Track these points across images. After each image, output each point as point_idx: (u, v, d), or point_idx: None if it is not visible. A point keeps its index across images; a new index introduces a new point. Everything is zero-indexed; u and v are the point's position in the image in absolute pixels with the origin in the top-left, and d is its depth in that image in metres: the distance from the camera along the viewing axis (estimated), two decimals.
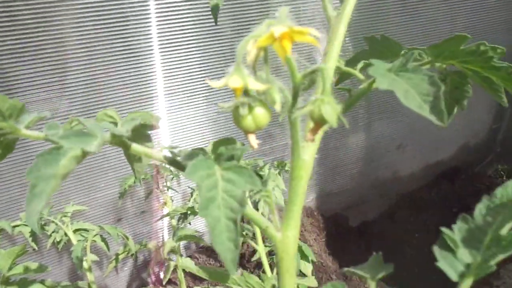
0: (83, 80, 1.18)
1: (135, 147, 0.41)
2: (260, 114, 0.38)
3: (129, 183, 1.22)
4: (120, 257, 1.26)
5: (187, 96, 1.35)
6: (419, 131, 1.93)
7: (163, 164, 1.26)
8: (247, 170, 0.37)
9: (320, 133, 0.37)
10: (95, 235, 1.13)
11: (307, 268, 1.15)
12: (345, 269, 0.43)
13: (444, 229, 0.36)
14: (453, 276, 0.34)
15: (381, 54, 0.59)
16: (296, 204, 0.45)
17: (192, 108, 1.37)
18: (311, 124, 0.36)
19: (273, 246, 0.46)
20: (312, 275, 1.15)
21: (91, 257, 1.12)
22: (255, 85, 0.32)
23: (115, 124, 0.47)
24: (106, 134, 0.35)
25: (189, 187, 1.42)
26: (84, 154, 0.32)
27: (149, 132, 0.51)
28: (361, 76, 0.51)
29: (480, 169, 2.14)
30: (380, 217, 1.94)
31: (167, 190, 1.28)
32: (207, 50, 1.31)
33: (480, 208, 0.37)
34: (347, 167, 1.83)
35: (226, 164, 0.38)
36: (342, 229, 1.78)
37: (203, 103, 1.38)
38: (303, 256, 1.16)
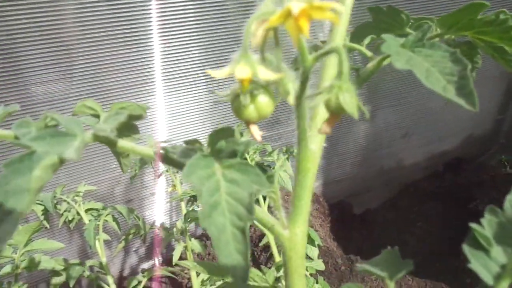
0: (83, 62, 1.13)
1: (123, 144, 0.36)
2: (264, 103, 0.33)
3: (140, 165, 1.19)
4: (130, 237, 1.26)
5: (186, 81, 1.30)
6: (424, 120, 1.91)
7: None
8: (252, 167, 0.33)
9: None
10: (107, 215, 1.13)
11: (314, 252, 1.15)
12: (358, 265, 0.40)
13: (474, 225, 0.32)
14: (488, 278, 0.30)
15: (387, 26, 0.54)
16: (303, 199, 0.41)
17: (191, 93, 1.32)
18: (322, 114, 0.32)
19: (280, 245, 0.42)
20: (318, 259, 1.15)
21: (103, 236, 1.12)
22: (266, 75, 0.27)
23: (97, 116, 0.42)
24: (87, 134, 0.30)
25: None
26: (62, 160, 0.27)
27: (136, 122, 0.46)
28: (368, 53, 0.46)
29: (484, 159, 2.13)
30: (384, 205, 1.94)
31: (177, 172, 1.25)
32: (207, 33, 1.25)
33: (510, 200, 0.33)
34: (352, 155, 1.82)
35: (228, 162, 0.34)
36: (346, 216, 1.77)
37: (203, 88, 1.33)
38: (310, 240, 1.16)
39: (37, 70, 1.07)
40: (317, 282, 1.05)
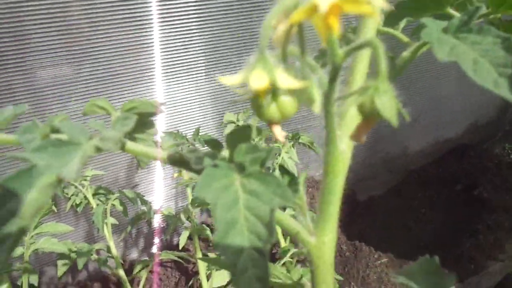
0: (83, 48, 1.11)
1: (131, 146, 0.33)
2: (288, 102, 0.29)
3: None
4: (136, 221, 1.26)
5: (186, 67, 1.27)
6: (430, 107, 1.88)
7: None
8: (273, 178, 0.29)
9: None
10: (114, 199, 1.13)
11: None
12: (394, 276, 0.36)
13: None
14: None
15: (425, 6, 0.48)
16: (332, 204, 0.37)
17: (191, 80, 1.29)
18: (353, 111, 0.28)
19: (307, 253, 0.38)
20: None
21: (110, 220, 1.12)
22: (288, 83, 0.23)
23: (109, 115, 0.39)
24: (90, 145, 0.27)
25: None
26: (60, 180, 0.24)
27: (152, 118, 0.43)
28: (405, 39, 0.42)
29: (488, 147, 2.10)
30: (388, 192, 1.93)
31: None
32: (209, 19, 1.21)
33: None
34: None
35: (247, 170, 0.30)
36: (350, 203, 1.76)
37: (203, 74, 1.29)
38: None
39: (43, 53, 1.06)
40: None
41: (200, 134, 1.24)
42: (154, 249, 1.52)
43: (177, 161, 0.34)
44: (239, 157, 0.32)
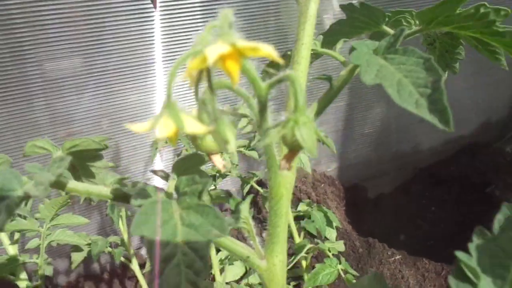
0: (82, 41, 1.10)
1: (72, 185, 0.33)
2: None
3: (160, 144, 1.18)
4: None
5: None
6: None
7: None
8: (211, 209, 0.30)
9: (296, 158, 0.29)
10: None
11: (332, 233, 1.15)
12: None
13: (459, 254, 0.29)
14: None
15: (361, 24, 0.50)
16: (279, 226, 0.38)
17: None
18: (284, 150, 0.29)
19: (259, 276, 0.39)
20: (336, 241, 1.15)
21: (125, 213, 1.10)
22: (195, 128, 0.23)
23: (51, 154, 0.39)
24: (19, 192, 0.27)
25: None
26: None
27: (100, 152, 0.43)
28: (342, 58, 0.43)
29: (500, 145, 2.09)
30: (398, 190, 1.92)
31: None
32: (210, 14, 1.21)
33: (499, 220, 0.30)
34: (368, 139, 1.80)
35: (186, 202, 0.31)
36: (361, 200, 1.76)
37: None
38: (328, 222, 1.16)
39: (58, 44, 1.05)
40: (340, 263, 1.05)
41: None
42: None
43: (120, 196, 0.35)
44: (180, 188, 0.33)
